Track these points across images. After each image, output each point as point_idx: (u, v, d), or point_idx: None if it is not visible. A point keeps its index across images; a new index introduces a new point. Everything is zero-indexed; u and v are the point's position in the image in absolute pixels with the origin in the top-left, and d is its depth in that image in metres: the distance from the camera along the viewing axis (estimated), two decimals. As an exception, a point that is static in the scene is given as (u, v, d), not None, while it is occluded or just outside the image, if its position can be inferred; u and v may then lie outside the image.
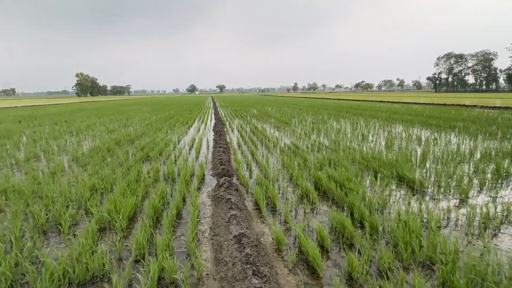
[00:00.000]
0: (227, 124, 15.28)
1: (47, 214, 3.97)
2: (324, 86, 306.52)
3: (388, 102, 35.32)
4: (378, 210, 4.08)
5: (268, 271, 2.59)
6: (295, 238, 3.45)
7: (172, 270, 2.67)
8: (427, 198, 4.60)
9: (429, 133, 10.68)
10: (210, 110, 27.13)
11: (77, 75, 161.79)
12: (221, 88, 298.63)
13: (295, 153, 7.68)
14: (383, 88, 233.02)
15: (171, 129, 12.89)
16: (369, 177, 5.57)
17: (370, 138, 9.94)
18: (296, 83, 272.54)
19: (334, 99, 52.83)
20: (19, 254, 2.99)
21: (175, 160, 7.16)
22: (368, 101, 40.15)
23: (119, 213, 3.83)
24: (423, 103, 30.23)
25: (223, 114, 22.10)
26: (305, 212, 4.18)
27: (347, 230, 3.37)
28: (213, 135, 11.44)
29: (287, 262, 2.95)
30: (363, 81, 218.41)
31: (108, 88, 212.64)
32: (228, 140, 10.06)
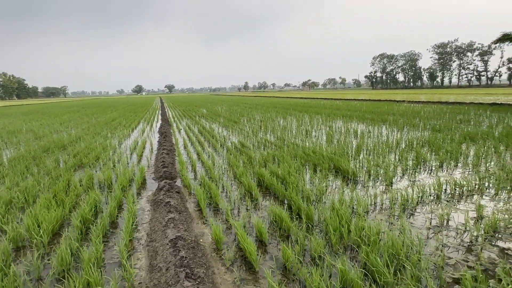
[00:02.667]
0: (174, 125, 14.77)
1: None
2: (273, 85, 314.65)
3: (332, 99, 37.67)
4: (314, 201, 4.31)
5: (203, 272, 2.56)
6: (235, 236, 3.47)
7: (99, 283, 2.48)
8: (359, 186, 5.00)
9: (364, 127, 11.64)
10: (157, 111, 25.93)
11: (0, 76, 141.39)
12: (170, 88, 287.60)
13: (241, 151, 7.73)
14: (327, 86, 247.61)
15: (111, 133, 12.01)
16: (309, 171, 5.86)
17: (313, 133, 10.48)
18: (246, 82, 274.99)
19: (283, 97, 54.53)
20: None
21: (114, 166, 6.69)
22: (313, 98, 42.29)
23: (40, 229, 3.43)
24: (362, 99, 32.87)
25: (170, 115, 21.31)
26: (247, 209, 4.22)
27: (284, 222, 3.50)
28: (158, 137, 10.95)
29: (225, 261, 2.95)
30: (310, 80, 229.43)
31: (40, 89, 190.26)
32: (174, 142, 9.73)
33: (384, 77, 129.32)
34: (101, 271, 2.71)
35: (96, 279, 2.48)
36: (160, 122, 16.83)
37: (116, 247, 3.28)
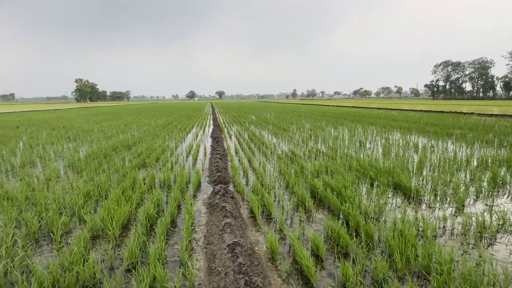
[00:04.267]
0: (225, 130, 15.28)
1: (39, 222, 3.92)
2: (322, 92, 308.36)
3: (386, 109, 35.50)
4: (374, 219, 4.06)
5: (261, 282, 2.56)
6: (290, 247, 3.42)
7: (164, 279, 2.63)
8: (423, 206, 4.58)
9: (426, 140, 10.71)
10: (209, 117, 27.17)
11: (76, 81, 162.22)
12: (221, 94, 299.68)
13: (292, 160, 7.67)
14: (381, 95, 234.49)
15: (169, 136, 12.88)
16: (366, 185, 5.55)
17: (368, 145, 9.95)
18: (295, 90, 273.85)
19: (332, 105, 53.06)
20: (10, 263, 2.95)
21: (172, 167, 7.13)
22: (366, 108, 40.36)
23: (112, 221, 3.79)
24: (421, 110, 30.38)
25: (221, 121, 22.13)
26: (300, 220, 4.14)
27: (342, 238, 3.35)
28: (211, 142, 11.43)
29: (281, 272, 2.91)
30: (362, 88, 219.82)
31: (108, 93, 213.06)
32: (226, 147, 10.05)
33: (447, 87, 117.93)
34: (164, 267, 2.88)
35: (162, 275, 2.63)
36: (212, 127, 17.58)
37: (177, 246, 3.47)
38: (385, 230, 3.58)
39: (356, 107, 42.76)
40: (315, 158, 7.96)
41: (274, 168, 7.04)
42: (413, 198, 4.90)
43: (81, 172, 6.59)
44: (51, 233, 3.72)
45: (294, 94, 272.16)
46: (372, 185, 5.58)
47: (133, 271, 2.92)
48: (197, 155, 8.72)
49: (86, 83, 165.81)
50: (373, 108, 37.91)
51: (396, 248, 3.03)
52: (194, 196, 5.26)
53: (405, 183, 5.20)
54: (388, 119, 19.88)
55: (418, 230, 3.73)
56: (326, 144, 10.08)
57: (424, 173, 6.30)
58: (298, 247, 3.04)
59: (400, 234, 3.33)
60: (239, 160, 8.04)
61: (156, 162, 7.71)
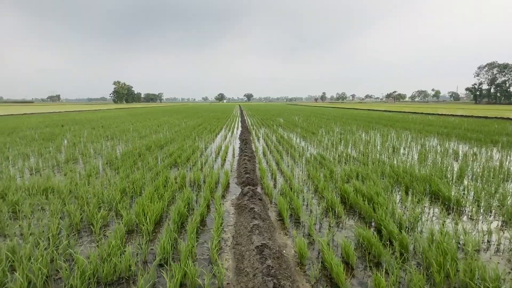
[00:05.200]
0: (253, 132, 15.38)
1: (81, 214, 4.20)
2: (353, 96, 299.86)
3: (422, 113, 33.71)
4: (408, 228, 3.86)
5: (289, 286, 2.53)
6: (319, 253, 3.35)
7: (194, 276, 2.70)
8: (464, 218, 4.27)
9: (467, 147, 10.00)
10: (237, 119, 27.52)
11: (114, 83, 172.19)
12: (249, 96, 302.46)
13: (321, 164, 7.53)
14: (416, 99, 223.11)
15: (198, 136, 13.22)
16: (400, 192, 5.30)
17: (402, 151, 9.50)
18: (324, 93, 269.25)
19: (363, 109, 51.39)
20: (55, 251, 3.19)
21: (201, 167, 7.31)
22: (400, 112, 38.60)
23: (146, 217, 3.96)
24: (461, 115, 28.45)
25: (249, 123, 22.31)
26: (329, 226, 4.05)
27: (374, 247, 3.22)
28: (239, 143, 11.57)
29: (310, 277, 2.86)
30: (395, 91, 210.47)
31: (142, 95, 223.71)
32: (254, 149, 10.11)
33: (492, 90, 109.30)
34: (194, 264, 2.95)
35: (192, 271, 2.70)
36: (240, 129, 17.79)
37: (206, 244, 3.54)
38: (422, 241, 3.39)
39: (389, 111, 41.06)
40: (345, 162, 7.75)
41: (302, 172, 6.95)
42: (453, 208, 4.60)
43: (117, 169, 6.97)
44: (91, 225, 3.98)
45: (323, 97, 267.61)
46: (406, 192, 5.32)
47: (165, 266, 3.03)
48: (225, 156, 8.86)
49: (123, 85, 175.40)
50: (408, 113, 36.18)
51: (434, 261, 2.86)
52: (223, 196, 5.35)
53: (444, 192, 4.89)
54: (424, 124, 18.85)
55: (459, 243, 3.48)
56: (356, 148, 9.78)
57: (465, 182, 5.89)
58: (328, 253, 2.97)
59: (438, 246, 3.13)
60: (267, 162, 8.05)
61: (186, 162, 7.95)
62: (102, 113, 38.16)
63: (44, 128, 16.90)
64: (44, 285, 2.72)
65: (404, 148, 9.95)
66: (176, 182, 5.84)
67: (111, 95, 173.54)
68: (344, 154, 8.69)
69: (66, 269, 2.83)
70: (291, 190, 5.33)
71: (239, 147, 10.64)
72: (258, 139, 12.94)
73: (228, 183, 6.09)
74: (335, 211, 4.47)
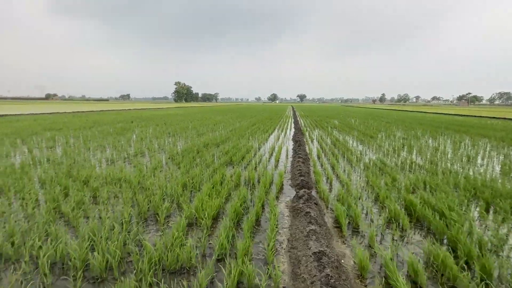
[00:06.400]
0: (307, 134, 15.09)
1: (148, 204, 4.58)
2: (417, 98, 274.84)
3: (505, 118, 29.29)
4: (492, 251, 3.35)
5: (350, 299, 2.39)
6: (381, 267, 3.11)
7: (252, 276, 2.72)
8: None
9: None
10: (290, 119, 27.33)
11: (176, 84, 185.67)
12: (302, 97, 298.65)
13: (381, 170, 7.03)
14: (496, 102, 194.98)
15: (252, 136, 13.45)
16: (478, 208, 4.65)
17: (479, 161, 8.36)
18: (383, 94, 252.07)
19: (429, 112, 46.76)
20: (127, 236, 3.51)
21: (256, 167, 7.40)
22: (475, 116, 34.13)
23: (204, 212, 4.14)
24: (557, 122, 23.95)
25: (302, 124, 21.97)
26: (393, 239, 3.73)
27: (449, 269, 2.86)
28: (293, 145, 11.45)
29: (372, 293, 2.67)
30: (469, 93, 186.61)
31: (199, 95, 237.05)
32: (308, 151, 9.90)
33: None
34: (251, 264, 2.98)
35: (250, 271, 2.73)
36: (293, 130, 17.62)
37: (261, 244, 3.55)
38: (510, 268, 2.91)
39: (462, 115, 36.63)
40: (409, 170, 7.11)
41: (360, 177, 6.57)
42: (550, 233, 3.86)
43: (179, 164, 7.45)
44: (156, 215, 4.31)
45: (382, 99, 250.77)
46: (487, 209, 4.64)
47: (223, 262, 3.11)
48: (279, 157, 8.84)
49: (183, 85, 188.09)
50: (485, 117, 31.80)
51: (528, 293, 2.42)
52: (277, 197, 5.32)
53: (538, 212, 4.14)
54: (508, 131, 16.34)
55: (560, 275, 2.90)
56: (423, 156, 8.90)
57: None
58: (392, 269, 2.73)
59: (533, 276, 2.65)
60: (321, 165, 7.80)
61: (241, 160, 8.14)
62: (164, 111, 41.38)
63: (117, 124, 18.97)
64: (118, 266, 3.01)
65: (483, 158, 8.73)
66: (231, 180, 6.01)
67: (173, 94, 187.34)
68: (408, 161, 7.97)
69: (137, 253, 3.09)
70: (349, 197, 5.06)
71: (292, 148, 10.53)
72: (312, 141, 12.64)
73: (282, 185, 6.05)
74: (399, 223, 4.11)
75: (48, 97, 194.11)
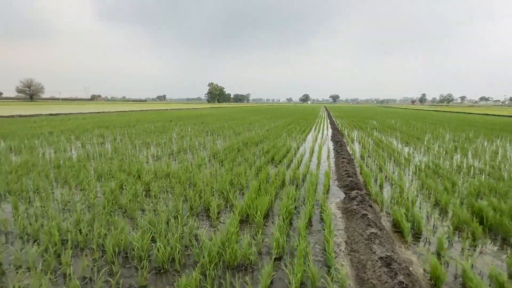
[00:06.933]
0: (346, 134, 14.58)
1: (200, 200, 4.63)
2: (463, 98, 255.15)
3: None
4: None
5: (430, 310, 2.17)
6: (455, 277, 2.82)
7: (316, 277, 2.60)
8: None
9: None
10: (325, 120, 26.69)
11: (209, 85, 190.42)
12: (335, 98, 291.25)
13: (436, 173, 6.51)
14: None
15: (289, 136, 13.27)
16: (562, 219, 4.09)
17: (550, 166, 7.44)
18: (423, 94, 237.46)
19: (479, 114, 43.13)
20: (184, 229, 3.56)
21: (298, 166, 7.24)
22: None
23: (254, 210, 4.08)
24: None
25: (339, 125, 21.31)
26: (462, 248, 3.39)
27: (542, 285, 2.51)
28: (333, 145, 11.09)
29: (452, 306, 2.41)
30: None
31: (231, 96, 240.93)
32: (350, 152, 9.52)
33: None
34: (310, 265, 2.85)
35: (314, 272, 2.60)
36: (330, 130, 17.14)
37: (318, 246, 3.41)
38: None
39: (517, 117, 33.28)
40: (468, 174, 6.51)
41: (413, 180, 6.14)
42: None
43: (222, 162, 7.52)
44: (207, 211, 4.34)
45: (422, 99, 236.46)
46: None
47: (280, 260, 3.02)
48: (320, 157, 8.59)
49: (216, 86, 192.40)
50: (546, 119, 28.58)
51: None
52: (326, 198, 5.13)
53: None
54: None
55: None
56: (480, 159, 8.13)
57: None
58: (476, 282, 2.45)
59: None
60: (367, 166, 7.43)
61: (282, 159, 8.02)
62: (199, 111, 42.54)
63: (157, 122, 19.80)
64: (180, 258, 3.04)
65: (554, 163, 7.77)
66: (277, 179, 5.91)
67: (206, 95, 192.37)
68: (465, 164, 7.32)
69: (195, 247, 3.11)
70: (405, 200, 4.73)
71: (333, 149, 10.20)
72: (353, 142, 12.17)
73: (329, 185, 5.83)
74: (468, 231, 3.73)
75: (93, 98, 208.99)
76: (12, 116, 24.22)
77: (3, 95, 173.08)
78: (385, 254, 2.84)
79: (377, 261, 2.78)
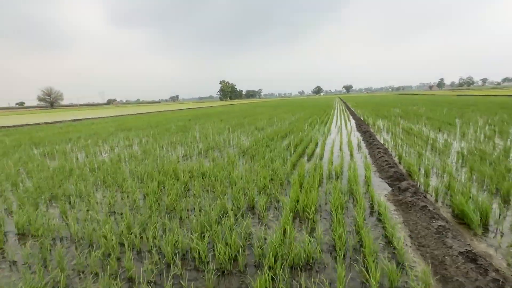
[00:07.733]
0: (371, 124, 14.14)
1: (244, 197, 4.52)
2: (484, 80, 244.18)
3: None
4: None
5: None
6: (545, 272, 2.57)
7: (395, 277, 2.42)
8: None
9: None
10: (345, 111, 26.11)
11: (220, 83, 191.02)
12: (348, 88, 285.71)
13: (484, 159, 6.13)
14: None
15: (312, 129, 13.00)
16: None
17: None
18: (442, 79, 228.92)
19: (504, 95, 41.06)
20: (236, 228, 3.46)
21: (332, 159, 7.02)
22: None
23: (305, 205, 3.93)
24: None
25: (361, 114, 20.77)
26: (541, 239, 3.12)
27: None
28: (361, 136, 10.76)
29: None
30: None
31: (243, 92, 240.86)
32: (382, 141, 9.18)
33: None
34: (385, 263, 2.68)
35: (392, 271, 2.43)
36: (353, 121, 16.71)
37: (380, 241, 3.22)
38: None
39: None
40: (519, 159, 6.10)
41: (460, 168, 5.80)
42: None
43: (253, 158, 7.40)
44: (253, 208, 4.23)
45: (440, 84, 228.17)
46: None
47: (346, 258, 2.86)
48: (352, 149, 8.31)
49: (227, 84, 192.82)
50: None
51: None
52: (373, 190, 4.91)
53: None
54: None
55: None
56: (527, 142, 7.62)
57: None
58: None
59: None
60: (406, 155, 7.11)
61: (313, 152, 7.82)
62: (213, 109, 42.72)
63: (177, 122, 19.95)
64: (242, 259, 2.94)
65: None
66: (315, 173, 5.73)
67: (218, 93, 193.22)
68: (512, 150, 6.87)
69: (257, 246, 2.99)
70: (462, 189, 4.44)
71: (363, 139, 9.88)
72: (380, 131, 11.77)
73: (370, 177, 5.60)
74: (543, 220, 3.44)
75: (109, 102, 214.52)
76: (39, 124, 25.12)
77: (25, 104, 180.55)
78: (465, 249, 2.62)
79: (457, 256, 2.57)
